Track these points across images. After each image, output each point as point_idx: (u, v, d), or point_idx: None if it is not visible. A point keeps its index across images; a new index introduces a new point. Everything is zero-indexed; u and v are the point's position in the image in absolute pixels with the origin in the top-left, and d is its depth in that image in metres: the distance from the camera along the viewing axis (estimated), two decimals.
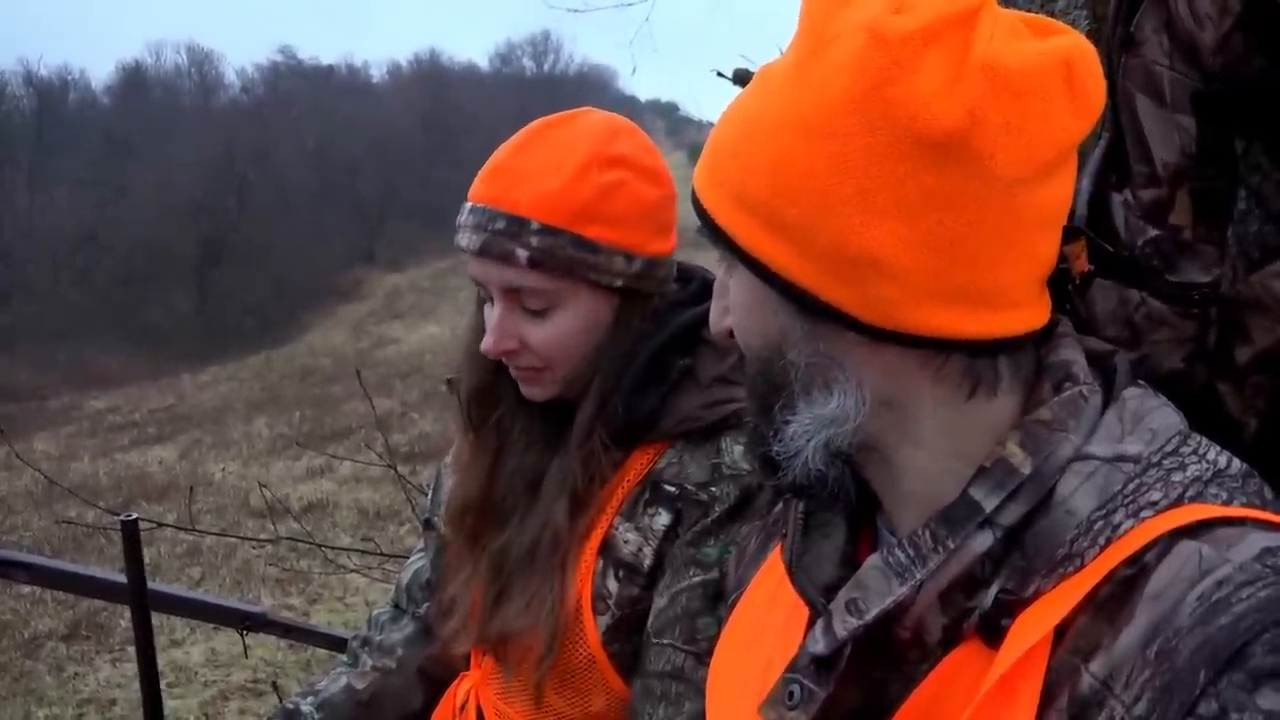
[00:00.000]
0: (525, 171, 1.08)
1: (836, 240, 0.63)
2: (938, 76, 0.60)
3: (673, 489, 1.10)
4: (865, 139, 0.61)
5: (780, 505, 0.86)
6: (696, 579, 1.05)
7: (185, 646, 6.83)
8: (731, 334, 0.74)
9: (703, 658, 1.01)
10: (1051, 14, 0.81)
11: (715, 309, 0.76)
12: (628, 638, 1.10)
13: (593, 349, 1.11)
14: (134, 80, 52.01)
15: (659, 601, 1.08)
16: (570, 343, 1.10)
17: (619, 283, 1.10)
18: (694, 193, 0.71)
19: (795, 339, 0.67)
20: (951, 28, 0.61)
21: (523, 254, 1.06)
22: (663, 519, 1.09)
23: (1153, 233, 0.84)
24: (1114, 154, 0.87)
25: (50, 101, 48.89)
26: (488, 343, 1.11)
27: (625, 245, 1.10)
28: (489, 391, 1.18)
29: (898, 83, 0.60)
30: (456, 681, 1.29)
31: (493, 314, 1.11)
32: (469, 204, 1.11)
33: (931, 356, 0.65)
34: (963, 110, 0.60)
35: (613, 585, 1.10)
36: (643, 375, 1.11)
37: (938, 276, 0.62)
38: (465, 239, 1.09)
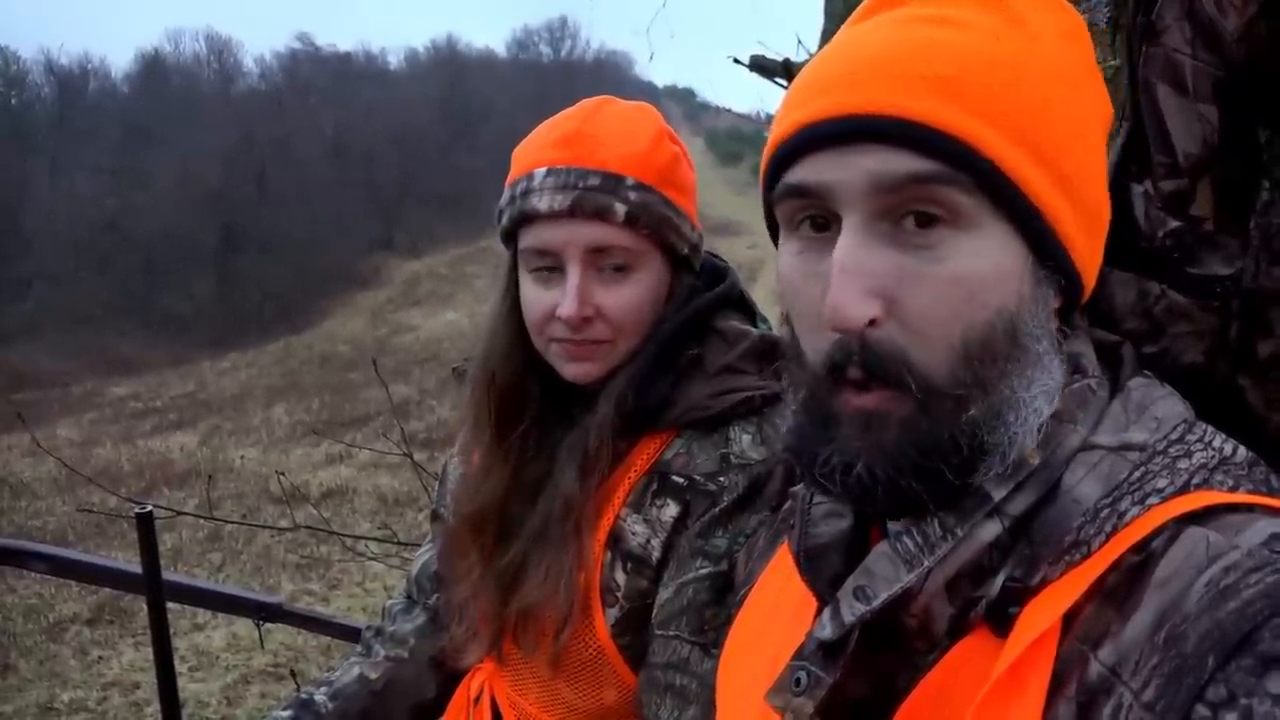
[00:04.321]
0: (603, 137, 1.10)
1: (1096, 197, 0.66)
2: None
3: (681, 480, 1.09)
4: (1097, 108, 0.67)
5: (789, 499, 0.85)
6: (704, 570, 1.05)
7: (207, 631, 6.90)
8: (868, 327, 0.60)
9: (709, 649, 1.01)
10: (1073, 2, 0.80)
11: (851, 292, 0.60)
12: (638, 631, 1.09)
13: (651, 324, 1.12)
14: (153, 68, 52.35)
15: (664, 593, 1.07)
16: (642, 309, 1.10)
17: (685, 249, 1.13)
18: (912, 120, 0.59)
19: (1029, 304, 0.62)
20: None
21: (621, 208, 1.06)
22: (671, 510, 1.08)
23: (1173, 224, 0.82)
24: (1134, 144, 0.85)
25: (71, 90, 49.30)
26: (570, 309, 1.06)
27: (690, 214, 1.14)
28: (520, 393, 1.15)
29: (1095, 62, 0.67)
30: (470, 674, 1.29)
31: (570, 280, 1.07)
32: (541, 169, 1.08)
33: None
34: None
35: (621, 577, 1.10)
36: (653, 363, 1.10)
37: None
38: (545, 201, 1.06)
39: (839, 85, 0.62)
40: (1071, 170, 0.63)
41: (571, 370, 1.11)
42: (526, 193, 1.08)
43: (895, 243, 0.61)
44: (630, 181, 1.07)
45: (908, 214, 0.61)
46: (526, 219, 1.09)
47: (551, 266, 1.09)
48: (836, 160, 0.62)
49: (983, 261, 0.60)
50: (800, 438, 0.65)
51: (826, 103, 0.62)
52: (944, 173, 0.59)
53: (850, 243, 0.61)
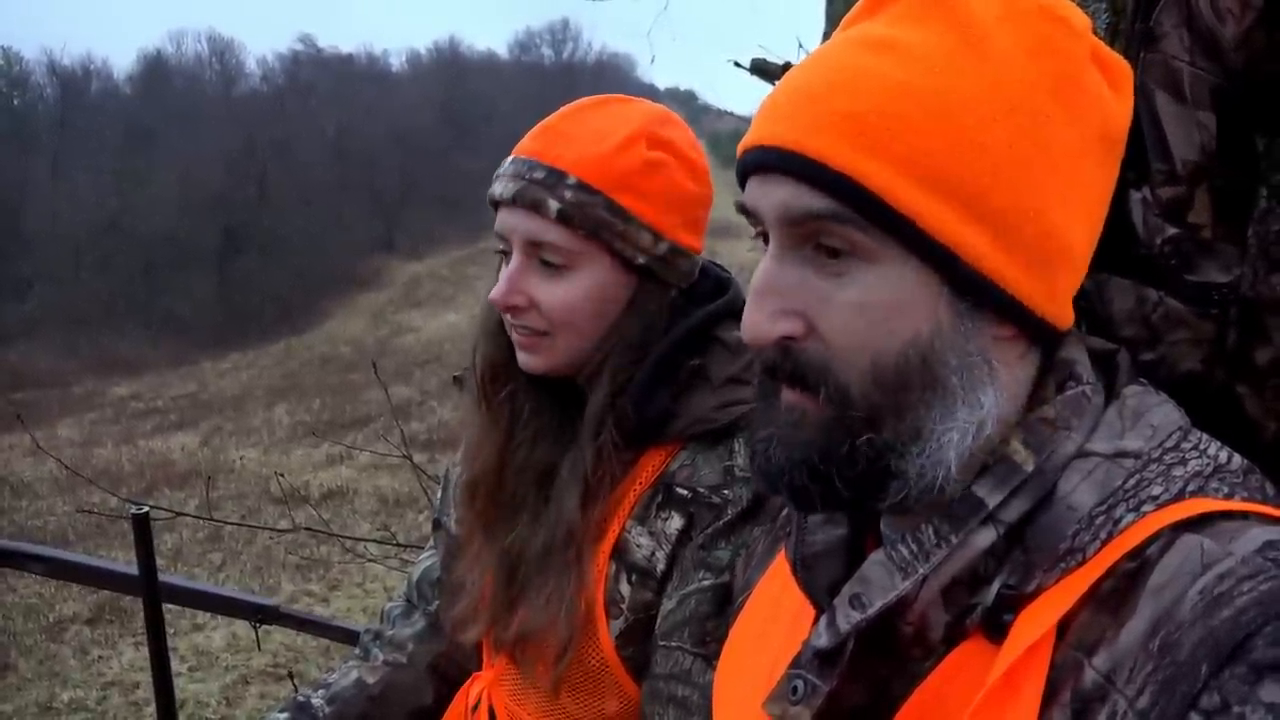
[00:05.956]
0: (573, 134, 1.10)
1: (1043, 230, 0.63)
2: (1100, 71, 0.65)
3: (685, 492, 1.08)
4: (1069, 130, 0.63)
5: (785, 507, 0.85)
6: (707, 582, 1.04)
7: (206, 631, 6.90)
8: (785, 340, 0.64)
9: (711, 660, 1.00)
10: None
11: (761, 311, 0.64)
12: (641, 642, 1.09)
13: (602, 328, 1.11)
14: (155, 69, 52.40)
15: (667, 604, 1.07)
16: (578, 309, 1.10)
17: (641, 259, 1.10)
18: (810, 159, 0.61)
19: (950, 336, 0.62)
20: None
21: (554, 205, 1.07)
22: (675, 523, 1.08)
23: (1171, 231, 0.82)
24: (1132, 151, 0.85)
25: (73, 90, 49.38)
26: (496, 292, 1.10)
27: (654, 224, 1.10)
28: (502, 365, 1.17)
29: (1086, 73, 0.64)
30: (469, 682, 1.29)
31: (508, 267, 1.10)
32: (511, 157, 1.12)
33: (1033, 349, 0.67)
34: (1129, 108, 0.66)
35: (625, 589, 1.09)
36: (653, 375, 1.09)
37: (1084, 269, 0.66)
38: (500, 187, 1.10)
39: (770, 114, 0.65)
40: (1002, 204, 0.61)
41: (520, 358, 1.14)
42: (497, 177, 1.12)
43: (811, 265, 0.63)
44: (571, 180, 1.07)
45: (818, 245, 0.63)
46: (492, 202, 1.13)
47: (506, 251, 1.12)
48: (762, 187, 0.65)
49: (885, 293, 0.61)
50: (752, 421, 0.70)
51: (761, 130, 0.65)
52: (838, 211, 0.61)
53: (767, 265, 0.65)
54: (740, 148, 0.67)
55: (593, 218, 1.07)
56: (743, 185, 0.68)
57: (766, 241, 0.67)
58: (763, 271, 0.65)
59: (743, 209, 0.67)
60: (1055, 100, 0.63)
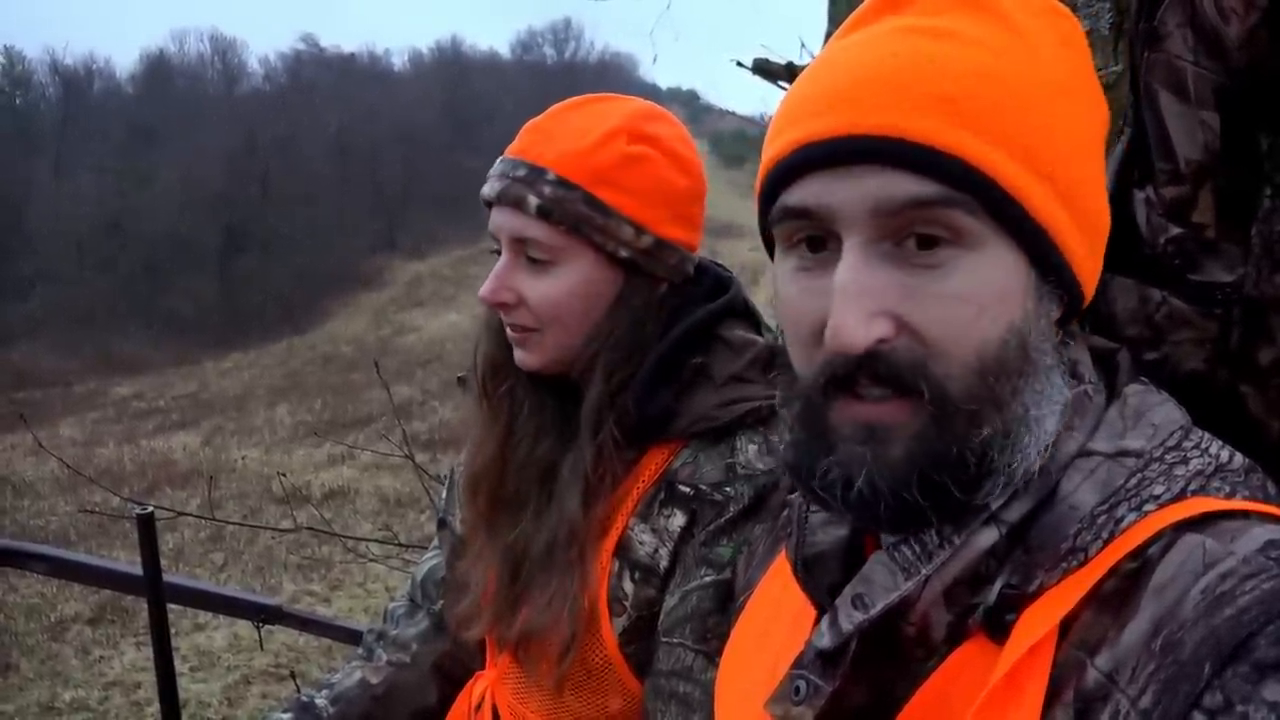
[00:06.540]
0: (556, 132, 1.11)
1: (1098, 209, 0.65)
2: None
3: (688, 490, 1.08)
4: (1096, 116, 0.66)
5: (786, 506, 0.85)
6: (708, 579, 1.05)
7: (208, 631, 6.91)
8: (879, 344, 0.59)
9: (713, 657, 1.00)
10: (1074, 7, 0.80)
11: (856, 314, 0.59)
12: (644, 639, 1.09)
13: (590, 323, 1.11)
14: (158, 69, 52.51)
15: (670, 601, 1.07)
16: (565, 304, 1.10)
17: (624, 253, 1.10)
18: (915, 143, 0.58)
19: (1035, 320, 0.62)
20: None
21: (534, 201, 1.08)
22: (678, 520, 1.08)
23: (1175, 231, 0.82)
24: (1136, 150, 0.85)
25: (75, 90, 49.50)
26: (484, 289, 1.12)
27: (637, 218, 1.10)
28: (502, 362, 1.18)
29: (1093, 68, 0.67)
30: (472, 681, 1.29)
31: (497, 264, 1.12)
32: (500, 158, 1.14)
33: None
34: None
35: (629, 587, 1.09)
36: (655, 373, 1.09)
37: None
38: (488, 187, 1.12)
39: (837, 103, 0.61)
40: (1073, 183, 0.62)
41: (515, 354, 1.14)
42: (487, 177, 1.13)
43: (899, 262, 0.60)
44: (551, 176, 1.08)
45: (910, 235, 0.60)
46: (484, 202, 1.14)
47: (498, 250, 1.13)
48: (836, 182, 0.60)
49: (988, 279, 0.60)
50: (798, 452, 0.65)
51: (825, 122, 0.61)
52: (947, 195, 0.58)
53: (852, 264, 0.60)
54: (790, 144, 0.63)
55: (572, 212, 1.08)
56: (778, 188, 0.64)
57: (814, 248, 0.63)
58: (849, 270, 0.60)
59: (795, 212, 0.63)
60: (1085, 88, 0.65)
